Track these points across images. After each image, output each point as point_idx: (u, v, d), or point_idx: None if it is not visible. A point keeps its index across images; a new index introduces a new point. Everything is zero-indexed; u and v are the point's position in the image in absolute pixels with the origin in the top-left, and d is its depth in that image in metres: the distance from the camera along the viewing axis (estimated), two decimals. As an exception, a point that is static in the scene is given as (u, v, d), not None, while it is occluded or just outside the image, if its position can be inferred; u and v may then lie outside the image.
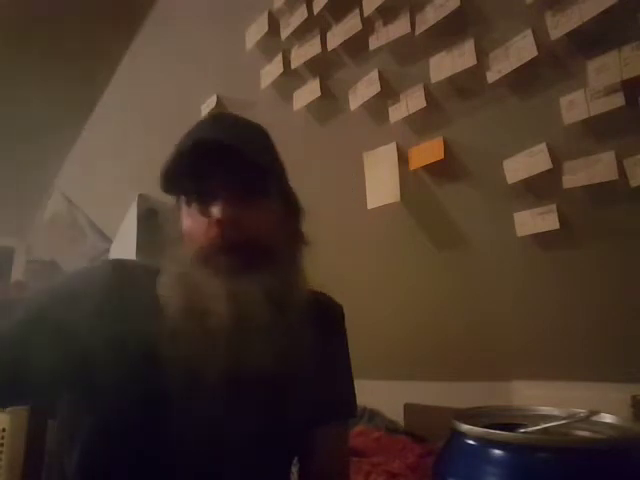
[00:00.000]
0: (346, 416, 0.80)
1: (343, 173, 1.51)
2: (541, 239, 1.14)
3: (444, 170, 1.27)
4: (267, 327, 0.61)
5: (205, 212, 0.64)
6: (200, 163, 0.64)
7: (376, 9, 1.30)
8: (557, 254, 1.14)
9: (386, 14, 1.29)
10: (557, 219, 1.09)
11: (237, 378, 0.60)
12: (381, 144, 1.39)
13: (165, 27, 2.14)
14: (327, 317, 0.78)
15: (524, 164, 1.11)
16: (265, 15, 1.62)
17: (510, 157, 1.14)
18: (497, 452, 0.36)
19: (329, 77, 1.50)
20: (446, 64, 1.20)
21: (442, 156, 1.24)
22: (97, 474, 0.62)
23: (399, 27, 1.26)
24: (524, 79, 1.09)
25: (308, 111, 1.56)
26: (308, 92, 1.54)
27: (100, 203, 3.10)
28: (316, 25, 1.47)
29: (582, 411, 0.41)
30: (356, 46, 1.39)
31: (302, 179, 1.79)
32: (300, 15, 1.50)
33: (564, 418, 0.41)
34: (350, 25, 1.37)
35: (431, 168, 1.29)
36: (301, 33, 1.52)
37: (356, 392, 0.82)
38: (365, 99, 1.39)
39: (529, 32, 1.05)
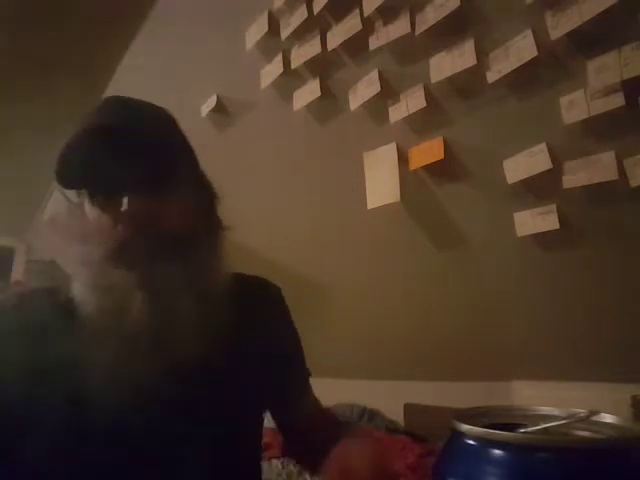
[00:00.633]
0: (306, 382, 0.81)
1: (343, 173, 1.51)
2: (541, 239, 1.14)
3: (444, 170, 1.27)
4: (193, 316, 0.59)
5: (111, 205, 0.60)
6: (102, 151, 0.58)
7: (376, 9, 1.30)
8: (557, 254, 1.14)
9: (386, 14, 1.29)
10: (557, 219, 1.09)
11: (173, 375, 0.57)
12: (381, 144, 1.39)
13: (165, 27, 2.14)
14: (264, 298, 0.76)
15: (524, 164, 1.11)
16: (265, 15, 1.62)
17: (510, 157, 1.14)
18: (497, 452, 0.35)
19: (329, 77, 1.50)
20: (446, 64, 1.20)
21: (442, 156, 1.24)
22: None
23: (399, 27, 1.26)
24: (524, 79, 1.09)
25: (308, 111, 1.56)
26: (308, 92, 1.54)
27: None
28: (316, 25, 1.47)
29: (582, 411, 0.41)
30: (356, 46, 1.39)
31: (302, 179, 1.80)
32: (300, 15, 1.50)
33: (564, 418, 0.41)
34: (350, 25, 1.37)
35: (431, 168, 1.29)
36: (301, 33, 1.52)
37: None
38: (365, 99, 1.38)
39: (529, 32, 1.05)
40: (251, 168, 1.77)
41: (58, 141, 0.63)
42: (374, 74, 1.36)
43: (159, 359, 0.56)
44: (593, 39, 0.98)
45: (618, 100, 0.96)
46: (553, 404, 0.43)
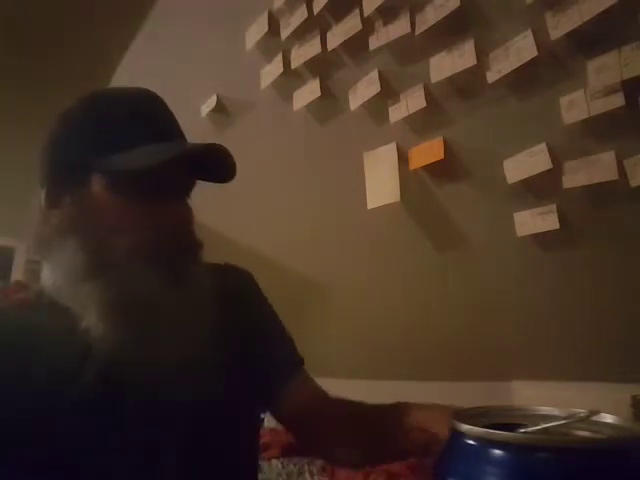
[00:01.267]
0: (299, 366, 0.77)
1: (343, 173, 1.51)
2: (541, 239, 1.14)
3: (444, 170, 1.27)
4: (207, 314, 0.60)
5: (162, 204, 0.60)
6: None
7: (376, 9, 1.30)
8: (557, 254, 1.14)
9: (386, 14, 1.29)
10: (557, 219, 1.09)
11: (172, 375, 0.56)
12: (381, 144, 1.39)
13: (165, 27, 2.14)
14: (237, 283, 0.75)
15: (524, 164, 1.11)
16: (265, 15, 1.62)
17: (510, 157, 1.14)
18: (497, 452, 0.35)
19: (329, 77, 1.50)
20: (446, 64, 1.20)
21: (442, 156, 1.24)
22: None
23: (399, 27, 1.26)
24: (524, 79, 1.09)
25: (308, 111, 1.56)
26: (308, 92, 1.54)
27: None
28: (316, 25, 1.47)
29: (582, 411, 0.41)
30: (356, 46, 1.39)
31: (302, 179, 1.80)
32: (300, 15, 1.50)
33: (564, 418, 0.41)
34: (350, 25, 1.37)
35: (431, 168, 1.29)
36: (301, 33, 1.52)
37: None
38: (365, 99, 1.38)
39: (529, 32, 1.05)
40: (251, 168, 1.77)
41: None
42: (374, 74, 1.36)
43: (178, 350, 0.57)
44: (593, 39, 0.98)
45: (618, 100, 0.96)
46: (553, 404, 0.43)
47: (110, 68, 2.41)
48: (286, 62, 1.58)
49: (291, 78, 1.58)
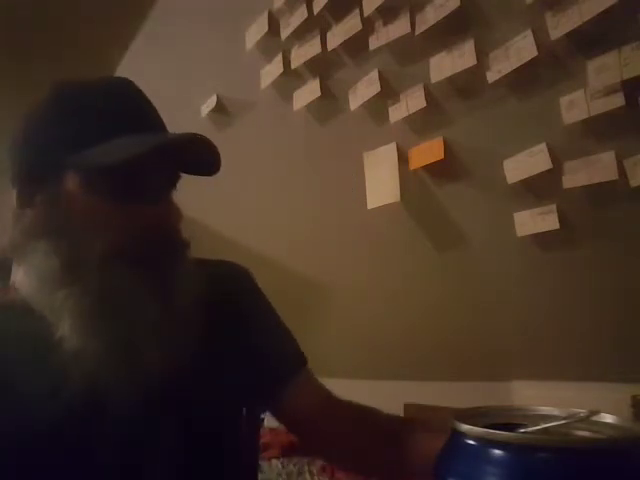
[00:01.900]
0: (301, 366, 0.75)
1: (343, 173, 1.51)
2: (541, 239, 1.14)
3: (444, 170, 1.27)
4: (196, 313, 0.57)
5: (141, 202, 0.56)
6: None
7: (376, 9, 1.30)
8: (557, 254, 1.14)
9: (386, 14, 1.29)
10: (557, 219, 1.09)
11: (163, 377, 0.54)
12: (381, 144, 1.39)
13: (165, 27, 2.14)
14: (234, 281, 0.73)
15: (524, 164, 1.11)
16: (265, 15, 1.62)
17: (510, 157, 1.14)
18: (497, 452, 0.35)
19: (329, 77, 1.50)
20: (446, 64, 1.20)
21: (442, 156, 1.24)
22: None
23: (399, 27, 1.26)
24: (524, 79, 1.09)
25: (308, 111, 1.56)
26: (308, 92, 1.53)
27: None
28: (316, 25, 1.47)
29: (582, 411, 0.41)
30: (356, 46, 1.39)
31: (302, 179, 1.80)
32: (300, 15, 1.50)
33: (564, 418, 0.41)
34: (350, 25, 1.37)
35: (431, 168, 1.29)
36: (301, 33, 1.52)
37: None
38: (365, 99, 1.38)
39: (529, 32, 1.05)
40: (251, 168, 1.77)
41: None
42: (374, 74, 1.36)
43: (162, 358, 0.54)
44: (593, 39, 0.98)
45: (618, 100, 0.96)
46: (553, 404, 0.43)
47: (110, 68, 2.41)
48: (286, 62, 1.58)
49: (291, 78, 1.58)
